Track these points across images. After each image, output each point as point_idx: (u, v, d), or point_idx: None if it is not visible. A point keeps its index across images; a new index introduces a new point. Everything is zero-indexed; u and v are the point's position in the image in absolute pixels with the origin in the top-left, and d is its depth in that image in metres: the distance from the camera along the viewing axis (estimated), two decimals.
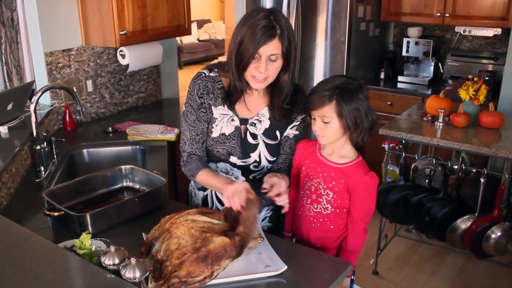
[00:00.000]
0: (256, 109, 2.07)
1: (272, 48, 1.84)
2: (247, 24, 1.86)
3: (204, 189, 2.22)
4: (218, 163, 2.13)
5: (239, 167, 2.10)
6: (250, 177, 2.13)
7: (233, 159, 2.08)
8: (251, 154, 2.08)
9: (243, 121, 2.06)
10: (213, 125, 2.07)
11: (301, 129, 2.13)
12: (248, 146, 2.07)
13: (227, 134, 2.06)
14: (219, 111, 2.06)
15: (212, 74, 2.05)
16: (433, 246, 3.88)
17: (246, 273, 1.68)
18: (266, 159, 2.10)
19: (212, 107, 2.06)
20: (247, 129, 2.07)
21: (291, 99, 2.04)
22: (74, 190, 2.25)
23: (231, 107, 2.04)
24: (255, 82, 1.92)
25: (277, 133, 2.09)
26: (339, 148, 1.96)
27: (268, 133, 2.07)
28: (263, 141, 2.07)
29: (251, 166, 2.10)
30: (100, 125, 3.43)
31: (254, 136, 2.07)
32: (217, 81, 2.05)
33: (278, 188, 1.85)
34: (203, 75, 2.06)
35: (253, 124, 2.06)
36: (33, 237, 1.61)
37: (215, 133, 2.07)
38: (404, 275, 3.69)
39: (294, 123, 2.10)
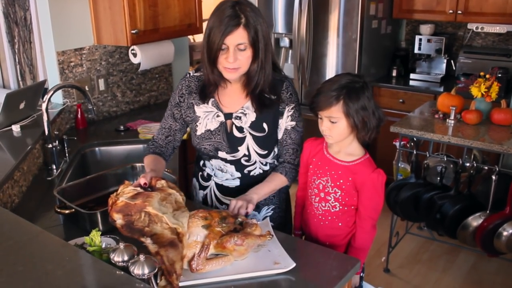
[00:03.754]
0: (240, 103, 2.07)
1: (238, 37, 1.84)
2: (214, 16, 1.87)
3: (204, 188, 2.24)
4: (210, 160, 2.16)
5: (230, 162, 2.12)
6: (245, 171, 2.13)
7: (221, 154, 2.10)
8: (239, 148, 2.08)
9: (228, 116, 2.07)
10: (197, 123, 2.10)
11: (297, 118, 2.10)
12: (235, 139, 2.08)
13: (212, 129, 2.08)
14: (203, 109, 2.09)
15: (197, 74, 2.12)
16: (445, 244, 3.85)
17: (255, 270, 1.69)
18: (256, 152, 2.09)
19: (195, 106, 2.10)
20: (232, 123, 2.08)
21: (273, 89, 2.03)
22: (85, 188, 2.28)
23: (208, 101, 2.07)
24: (227, 73, 1.92)
25: (264, 125, 2.07)
26: (346, 146, 1.96)
27: (254, 125, 2.07)
28: (250, 133, 2.07)
29: (242, 160, 2.11)
30: (112, 124, 3.47)
31: (240, 129, 2.07)
32: (202, 80, 2.09)
33: (242, 209, 1.88)
34: (188, 75, 2.14)
35: (238, 118, 2.07)
36: (44, 234, 1.64)
37: (199, 131, 2.10)
38: (415, 273, 3.68)
39: (286, 114, 2.08)
